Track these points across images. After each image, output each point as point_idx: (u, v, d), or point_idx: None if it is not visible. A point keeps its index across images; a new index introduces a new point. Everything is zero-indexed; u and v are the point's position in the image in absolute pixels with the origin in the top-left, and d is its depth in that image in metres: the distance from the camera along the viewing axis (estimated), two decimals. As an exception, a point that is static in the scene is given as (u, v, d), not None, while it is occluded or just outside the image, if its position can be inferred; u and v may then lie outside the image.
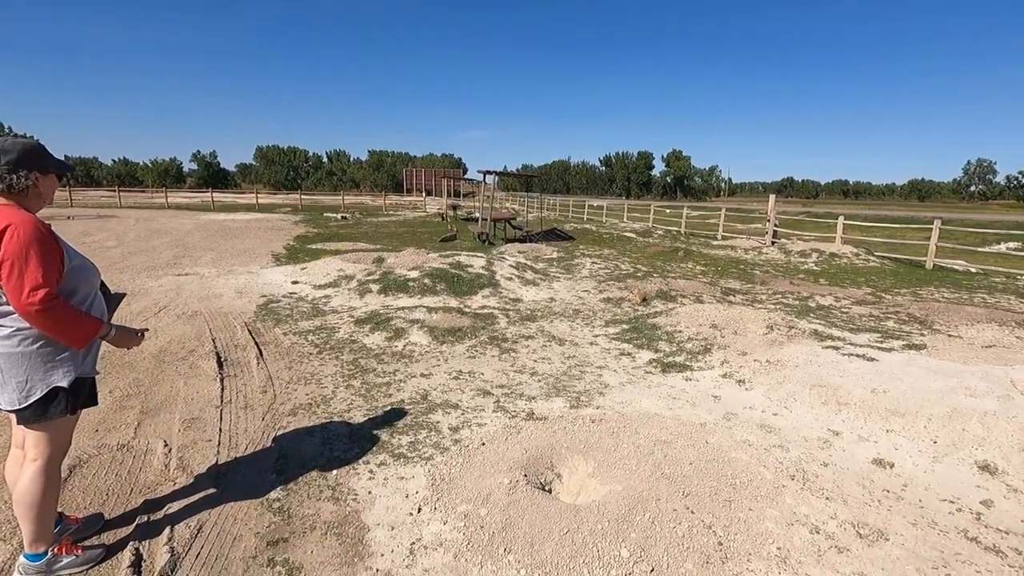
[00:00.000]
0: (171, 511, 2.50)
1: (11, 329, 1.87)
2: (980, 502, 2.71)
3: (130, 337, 2.20)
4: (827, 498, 2.68)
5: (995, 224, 22.48)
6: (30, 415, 1.94)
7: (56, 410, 1.96)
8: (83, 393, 2.06)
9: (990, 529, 2.49)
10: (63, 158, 2.46)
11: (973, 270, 12.06)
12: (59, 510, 2.25)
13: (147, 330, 2.43)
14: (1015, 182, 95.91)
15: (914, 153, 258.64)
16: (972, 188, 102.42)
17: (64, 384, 1.95)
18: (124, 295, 2.12)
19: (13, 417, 2.00)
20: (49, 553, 2.07)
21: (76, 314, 1.93)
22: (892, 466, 3.05)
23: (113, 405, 3.65)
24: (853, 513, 2.56)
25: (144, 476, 2.81)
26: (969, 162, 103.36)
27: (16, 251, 1.77)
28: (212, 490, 2.69)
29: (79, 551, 2.15)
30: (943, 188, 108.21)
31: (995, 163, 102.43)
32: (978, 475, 2.93)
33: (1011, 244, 18.25)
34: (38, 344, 1.90)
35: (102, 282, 2.19)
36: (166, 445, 3.13)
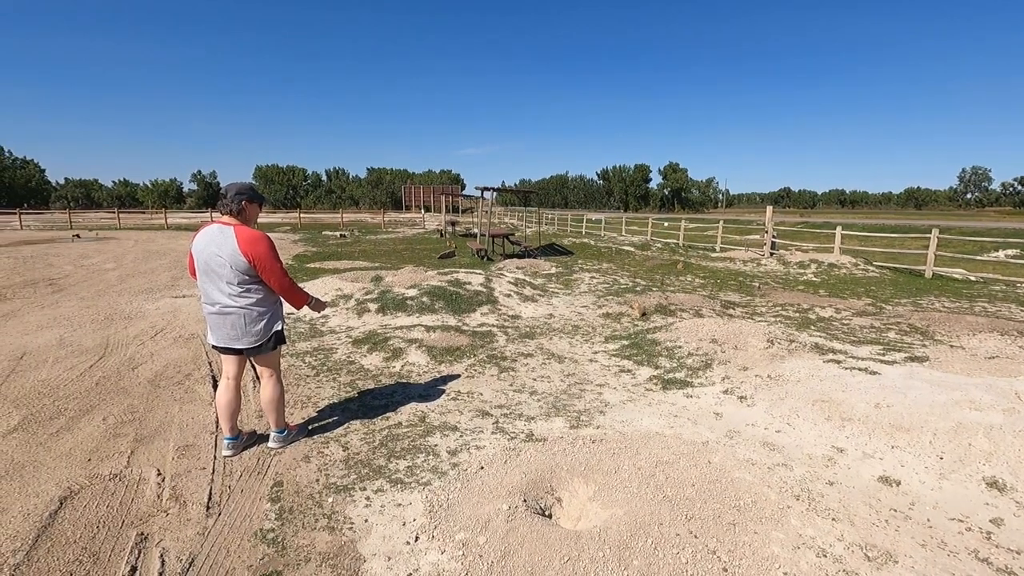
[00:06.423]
0: (163, 543, 2.45)
1: (255, 299, 3.09)
2: (990, 520, 2.65)
3: (320, 305, 3.49)
4: (833, 519, 2.62)
5: (993, 232, 22.49)
6: (264, 349, 3.19)
7: (277, 344, 3.26)
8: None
9: (1001, 549, 2.43)
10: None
11: (972, 278, 12.03)
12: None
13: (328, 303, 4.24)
14: (1010, 189, 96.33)
15: (910, 162, 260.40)
16: (968, 196, 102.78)
17: (280, 328, 3.26)
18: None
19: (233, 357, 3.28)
20: (286, 429, 3.45)
21: (298, 286, 3.31)
22: (898, 484, 2.99)
23: (106, 433, 3.60)
24: (860, 534, 2.50)
25: (136, 507, 2.75)
26: (964, 170, 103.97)
27: (269, 253, 3.11)
28: (205, 520, 2.63)
29: (298, 429, 3.59)
30: (939, 196, 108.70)
31: (990, 170, 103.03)
32: (986, 492, 2.88)
33: (1009, 251, 18.26)
34: (266, 307, 3.15)
35: None
36: (159, 474, 3.07)
